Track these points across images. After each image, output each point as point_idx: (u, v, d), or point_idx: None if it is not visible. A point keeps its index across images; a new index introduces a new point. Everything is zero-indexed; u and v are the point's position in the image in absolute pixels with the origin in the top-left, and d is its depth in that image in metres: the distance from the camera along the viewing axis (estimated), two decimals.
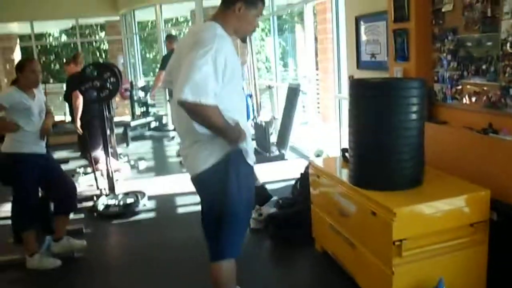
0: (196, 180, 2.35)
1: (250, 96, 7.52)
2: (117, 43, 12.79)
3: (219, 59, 2.04)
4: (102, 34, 16.77)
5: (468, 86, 3.12)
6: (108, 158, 5.00)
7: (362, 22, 4.56)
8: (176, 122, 2.39)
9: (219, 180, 2.25)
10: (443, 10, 3.27)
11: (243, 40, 2.58)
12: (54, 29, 16.19)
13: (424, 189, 2.68)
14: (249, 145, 2.35)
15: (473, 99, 3.08)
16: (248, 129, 2.39)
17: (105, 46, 17.09)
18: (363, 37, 4.55)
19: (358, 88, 2.81)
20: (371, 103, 2.69)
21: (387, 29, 3.92)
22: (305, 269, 3.50)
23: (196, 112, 2.03)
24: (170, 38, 7.58)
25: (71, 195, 3.79)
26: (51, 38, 17.80)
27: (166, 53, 7.81)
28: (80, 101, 5.36)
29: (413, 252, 2.42)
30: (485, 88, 2.97)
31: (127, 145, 8.50)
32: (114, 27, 12.76)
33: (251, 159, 2.36)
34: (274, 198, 4.54)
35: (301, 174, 4.50)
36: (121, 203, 4.82)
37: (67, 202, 3.75)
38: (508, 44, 2.74)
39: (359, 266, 2.83)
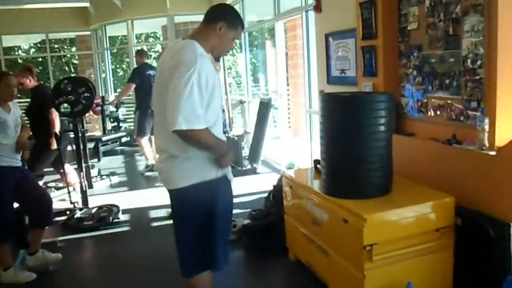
0: (175, 195, 2.37)
1: (223, 111, 7.61)
2: (87, 57, 12.73)
3: (202, 79, 2.11)
4: (72, 48, 16.63)
5: (433, 100, 3.30)
6: (82, 173, 4.99)
7: (331, 39, 4.73)
8: (157, 136, 2.43)
9: (205, 200, 2.31)
10: (408, 28, 3.46)
11: (217, 59, 2.59)
12: (23, 43, 15.98)
13: (392, 197, 2.82)
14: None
15: (438, 112, 3.26)
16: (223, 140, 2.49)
17: (75, 60, 16.94)
18: (333, 54, 4.72)
19: (329, 102, 2.93)
20: (341, 116, 2.82)
21: (356, 46, 4.09)
22: (279, 277, 3.59)
23: (190, 137, 2.13)
24: (140, 52, 7.61)
25: (47, 208, 3.77)
26: (20, 51, 17.56)
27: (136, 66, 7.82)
28: (56, 115, 5.31)
29: (383, 257, 2.54)
30: (448, 102, 3.15)
31: (99, 160, 8.46)
32: (84, 41, 12.72)
33: (230, 175, 2.44)
34: (248, 210, 4.62)
35: (274, 186, 4.60)
36: (95, 216, 4.81)
37: (42, 216, 3.73)
38: (469, 60, 2.93)
39: (332, 272, 2.93)
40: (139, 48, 8.92)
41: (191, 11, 9.68)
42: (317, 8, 4.89)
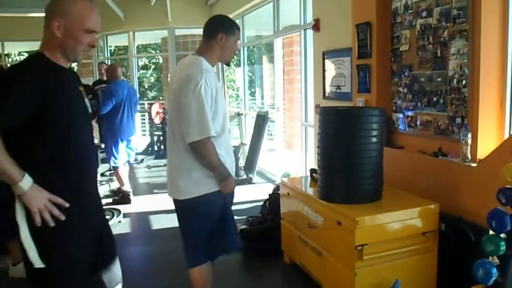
0: (180, 204, 2.61)
1: None
2: (86, 66, 12.91)
3: (208, 94, 2.38)
4: None
5: (421, 116, 3.56)
6: None
7: (328, 57, 5.00)
8: (169, 147, 2.65)
9: (217, 208, 2.60)
10: (400, 49, 3.74)
11: (227, 64, 2.97)
12: (27, 48, 16.08)
13: (382, 203, 3.07)
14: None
15: (426, 127, 3.52)
16: (231, 149, 2.76)
17: (74, 69, 17.08)
18: (329, 70, 4.99)
19: (327, 115, 3.18)
20: (337, 128, 3.08)
21: (351, 63, 4.36)
22: (275, 279, 3.80)
23: (201, 148, 2.40)
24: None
25: None
26: (22, 58, 17.68)
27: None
28: None
29: (373, 256, 2.78)
30: (435, 118, 3.42)
31: (97, 166, 8.62)
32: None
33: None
34: (244, 216, 4.83)
35: (269, 194, 4.82)
36: None
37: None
38: (455, 80, 3.21)
39: (325, 272, 3.16)
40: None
41: (191, 25, 9.96)
42: (316, 27, 5.16)
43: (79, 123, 1.92)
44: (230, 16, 8.59)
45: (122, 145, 5.80)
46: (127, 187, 6.04)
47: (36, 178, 1.73)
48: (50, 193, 1.77)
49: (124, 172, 5.99)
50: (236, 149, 7.27)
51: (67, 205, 1.79)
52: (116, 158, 5.80)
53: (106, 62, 9.38)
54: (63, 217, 1.78)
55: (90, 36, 1.87)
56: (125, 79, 6.28)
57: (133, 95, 5.83)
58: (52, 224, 1.76)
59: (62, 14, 1.81)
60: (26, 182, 1.71)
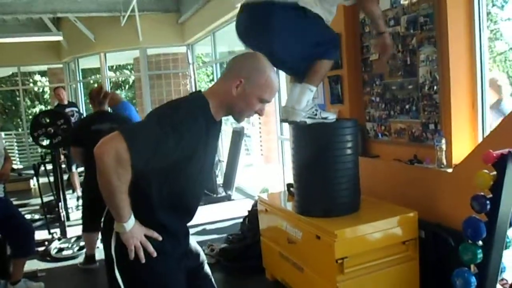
0: None
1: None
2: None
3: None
4: (38, 77, 16.53)
5: (395, 124, 3.56)
6: (60, 203, 5.05)
7: None
8: None
9: None
10: (370, 59, 3.75)
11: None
12: None
13: (361, 214, 3.03)
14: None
15: (400, 135, 3.52)
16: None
17: (46, 93, 16.86)
18: None
19: (299, 129, 3.11)
20: (311, 142, 3.03)
21: None
22: None
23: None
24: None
25: (29, 237, 3.82)
26: None
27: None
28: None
29: (354, 269, 2.73)
30: (409, 125, 3.41)
31: (73, 191, 8.45)
32: (56, 74, 12.72)
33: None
34: (224, 235, 4.76)
35: (249, 211, 4.76)
36: (74, 246, 4.86)
37: (24, 245, 3.78)
38: (426, 87, 3.21)
39: (307, 287, 3.10)
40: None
41: (162, 44, 9.91)
42: None
43: (202, 178, 1.89)
44: (201, 33, 8.62)
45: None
46: None
47: (139, 215, 1.71)
48: (147, 228, 1.74)
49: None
50: (214, 166, 7.20)
51: (160, 238, 1.75)
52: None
53: (64, 87, 9.20)
54: (155, 254, 1.73)
55: (262, 105, 1.83)
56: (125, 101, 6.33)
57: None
58: (143, 261, 1.71)
59: (247, 76, 1.77)
60: (130, 223, 1.67)
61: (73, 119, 6.46)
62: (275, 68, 1.89)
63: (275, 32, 2.63)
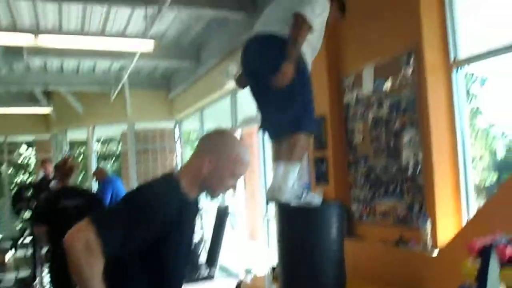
0: None
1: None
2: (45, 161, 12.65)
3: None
4: (24, 148, 16.40)
5: (380, 205, 3.57)
6: (38, 278, 4.87)
7: None
8: None
9: None
10: (355, 141, 3.82)
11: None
12: None
13: None
14: None
15: (385, 216, 3.51)
16: None
17: (31, 162, 16.66)
18: None
19: (284, 212, 3.09)
20: (295, 225, 2.99)
21: (308, 156, 4.40)
22: None
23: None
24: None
25: None
26: None
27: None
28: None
29: None
30: (394, 206, 3.42)
31: None
32: (43, 145, 12.68)
33: None
34: None
35: None
36: None
37: None
38: (409, 169, 3.26)
39: None
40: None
41: (151, 119, 10.05)
42: None
43: (181, 258, 1.85)
44: (190, 110, 8.77)
45: None
46: None
47: None
48: None
49: None
50: (197, 245, 7.07)
51: None
52: None
53: (50, 159, 9.16)
54: None
55: (234, 180, 1.83)
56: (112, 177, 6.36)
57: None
58: None
59: (218, 153, 1.78)
60: None
61: None
62: (246, 147, 1.90)
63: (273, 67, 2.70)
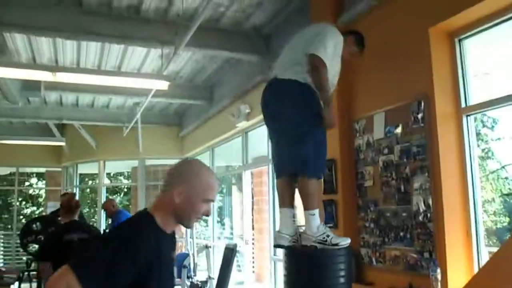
0: None
1: (188, 255, 7.59)
2: (54, 192, 12.66)
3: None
4: (35, 180, 16.46)
5: (390, 251, 3.53)
6: None
7: None
8: None
9: None
10: (365, 185, 3.82)
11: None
12: None
13: None
14: None
15: (395, 262, 3.48)
16: None
17: (41, 194, 16.69)
18: (298, 206, 4.99)
19: (293, 256, 3.06)
20: (304, 269, 2.96)
21: None
22: None
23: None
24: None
25: None
26: None
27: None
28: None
29: None
30: (403, 252, 3.39)
31: None
32: (53, 177, 12.74)
33: None
34: None
35: None
36: None
37: None
38: (420, 215, 3.24)
39: None
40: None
41: (162, 156, 10.12)
42: None
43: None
44: (200, 148, 8.82)
45: None
46: None
47: None
48: None
49: None
50: (203, 284, 6.97)
51: None
52: None
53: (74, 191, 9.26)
54: None
55: (207, 205, 1.86)
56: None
57: None
58: None
59: (187, 181, 1.82)
60: None
61: None
62: (212, 171, 1.94)
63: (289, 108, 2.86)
